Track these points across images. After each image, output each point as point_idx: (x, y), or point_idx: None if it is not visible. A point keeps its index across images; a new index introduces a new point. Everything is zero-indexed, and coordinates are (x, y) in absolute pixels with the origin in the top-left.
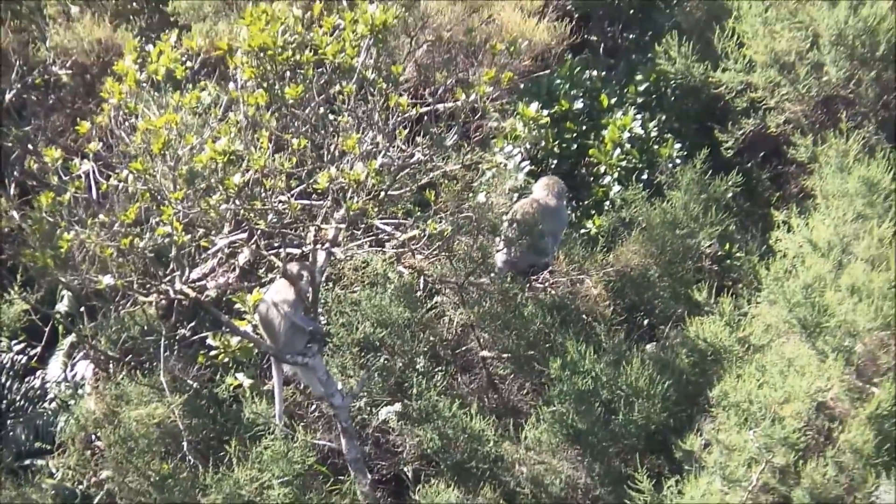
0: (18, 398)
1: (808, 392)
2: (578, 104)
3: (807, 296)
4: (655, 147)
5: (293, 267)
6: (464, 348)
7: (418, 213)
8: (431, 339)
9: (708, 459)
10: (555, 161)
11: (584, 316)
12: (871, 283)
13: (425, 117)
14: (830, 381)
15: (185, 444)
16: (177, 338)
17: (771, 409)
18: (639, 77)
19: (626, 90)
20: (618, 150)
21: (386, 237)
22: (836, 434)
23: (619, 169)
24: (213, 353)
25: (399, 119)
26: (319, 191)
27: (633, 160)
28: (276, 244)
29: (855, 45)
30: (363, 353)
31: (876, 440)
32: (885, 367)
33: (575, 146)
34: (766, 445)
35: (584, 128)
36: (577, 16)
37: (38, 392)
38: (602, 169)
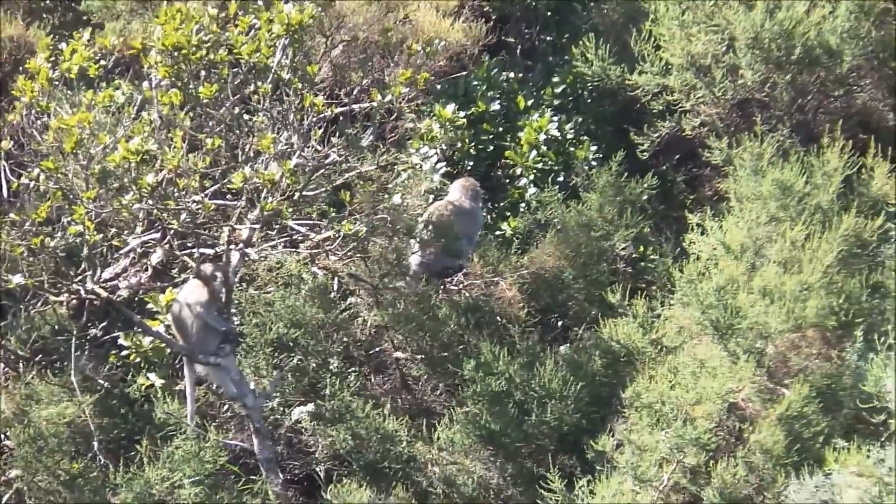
0: None
1: (720, 393)
2: (495, 106)
3: (719, 298)
4: (571, 149)
5: (206, 267)
6: (377, 349)
7: (333, 214)
8: (345, 339)
9: (620, 460)
10: (471, 163)
11: (498, 317)
12: (783, 286)
13: (341, 117)
14: (742, 383)
15: (95, 443)
16: (88, 337)
17: (683, 409)
18: (555, 79)
19: (542, 92)
20: (534, 152)
21: (300, 238)
22: (746, 434)
23: (534, 171)
24: (124, 352)
25: (314, 119)
26: (233, 191)
27: (549, 162)
28: (189, 244)
29: (770, 48)
30: (276, 354)
31: (786, 440)
32: (795, 369)
33: (491, 148)
34: (678, 446)
35: (500, 129)
36: (493, 17)
37: None
38: (518, 171)
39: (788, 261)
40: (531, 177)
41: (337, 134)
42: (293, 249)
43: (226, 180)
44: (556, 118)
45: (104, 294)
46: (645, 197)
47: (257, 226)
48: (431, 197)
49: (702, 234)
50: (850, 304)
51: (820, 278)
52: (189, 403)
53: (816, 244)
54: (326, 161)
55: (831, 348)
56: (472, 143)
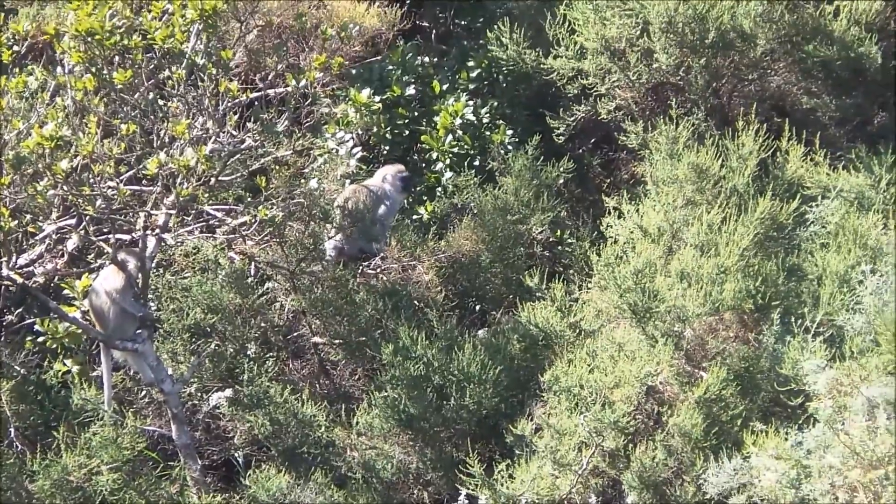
0: None
1: (638, 376)
2: (410, 90)
3: (637, 281)
4: (487, 133)
5: (122, 254)
6: (295, 334)
7: (249, 199)
8: (263, 325)
9: (539, 444)
10: (387, 147)
11: (415, 302)
12: (701, 269)
13: (256, 103)
14: (660, 366)
15: (11, 430)
16: (3, 323)
17: (601, 393)
18: (471, 63)
19: (458, 76)
20: (450, 137)
21: (217, 223)
22: (665, 418)
23: (451, 155)
24: (41, 338)
25: (229, 104)
26: (149, 176)
27: (465, 146)
28: (105, 230)
29: (685, 32)
30: (194, 339)
31: (704, 424)
32: (713, 352)
33: (407, 132)
34: (597, 429)
35: (416, 114)
36: (408, 1)
37: None
38: (434, 155)
39: (705, 244)
40: (447, 161)
41: (252, 119)
42: (210, 234)
43: (141, 166)
44: (471, 102)
45: (20, 280)
46: (561, 181)
47: (173, 211)
48: (348, 181)
49: (619, 217)
50: (766, 287)
51: (737, 261)
52: (106, 390)
53: (733, 227)
54: (242, 146)
55: (749, 331)
56: (388, 128)
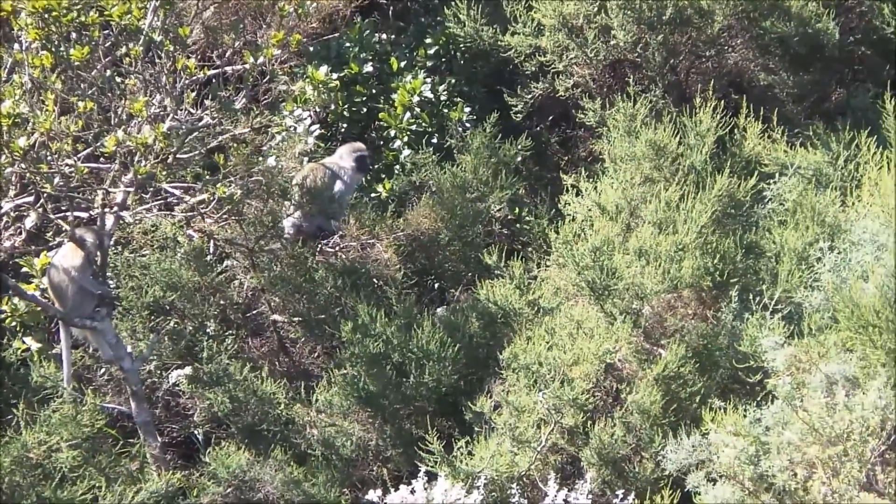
0: None
1: (597, 354)
2: (368, 67)
3: (595, 259)
4: (445, 111)
5: (81, 231)
6: (254, 312)
7: (207, 177)
8: (222, 302)
9: (498, 421)
10: (345, 125)
11: (374, 280)
12: (659, 246)
13: (213, 80)
14: (619, 343)
15: None
16: None
17: (560, 370)
18: (428, 40)
19: (415, 53)
20: (408, 114)
21: (175, 201)
22: (624, 395)
23: (409, 133)
24: (0, 316)
25: (187, 82)
26: (107, 154)
27: (423, 124)
28: (63, 207)
29: (642, 8)
30: (153, 317)
31: (662, 401)
32: (671, 329)
33: (365, 110)
34: (556, 406)
35: (373, 91)
36: None
37: None
38: (392, 133)
39: (663, 221)
40: (405, 139)
41: (210, 96)
42: (168, 212)
43: (99, 143)
44: (429, 80)
45: None
46: (519, 158)
47: (131, 189)
48: (306, 159)
49: (577, 195)
50: (724, 265)
51: (695, 239)
52: (65, 367)
53: (691, 205)
54: (200, 124)
55: (707, 308)
56: (346, 105)
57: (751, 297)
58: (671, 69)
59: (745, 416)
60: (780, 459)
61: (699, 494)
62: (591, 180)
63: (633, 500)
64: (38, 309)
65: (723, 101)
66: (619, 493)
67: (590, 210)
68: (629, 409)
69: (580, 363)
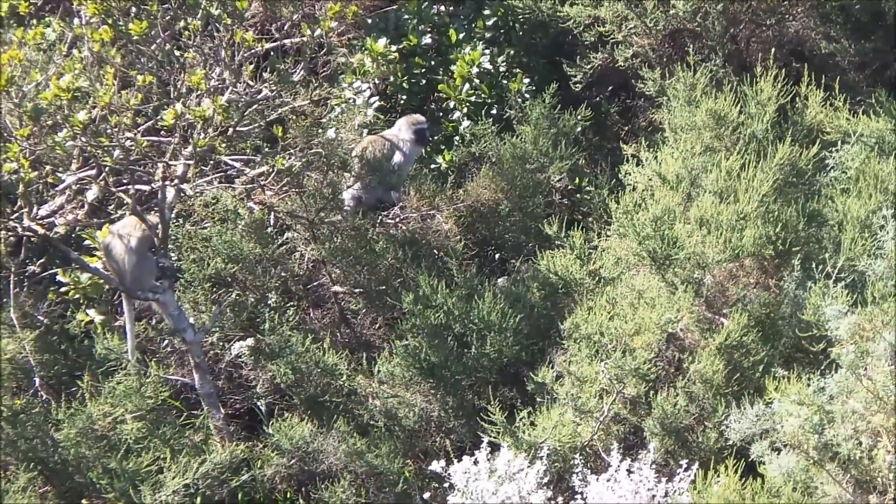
0: None
1: (659, 323)
2: (426, 39)
3: (656, 228)
4: (504, 82)
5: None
6: (315, 283)
7: (267, 150)
8: (283, 274)
9: (560, 391)
10: (404, 97)
11: (435, 251)
12: (720, 216)
13: (272, 53)
14: (680, 313)
15: (36, 379)
16: (26, 274)
17: (622, 340)
18: (486, 12)
19: (474, 25)
20: (467, 86)
21: (235, 173)
22: (686, 364)
23: (468, 104)
24: (63, 289)
25: (245, 55)
26: (167, 127)
27: (483, 95)
28: (124, 181)
29: None
30: (215, 289)
31: (725, 370)
32: (733, 298)
33: (424, 81)
34: (618, 376)
35: (432, 63)
36: None
37: None
38: (451, 104)
39: (724, 190)
40: (465, 110)
41: (268, 69)
42: (228, 185)
43: (158, 117)
44: (487, 51)
45: (41, 231)
46: (579, 129)
47: (191, 162)
48: (365, 131)
49: (637, 165)
50: (787, 233)
51: (756, 207)
52: (129, 339)
53: (752, 173)
54: (259, 96)
55: (769, 277)
56: (405, 77)
57: (813, 265)
58: (731, 38)
59: (808, 384)
60: (844, 428)
61: (763, 464)
62: (651, 150)
63: (697, 469)
64: (101, 281)
65: (784, 70)
66: (683, 462)
67: (650, 180)
68: (692, 379)
69: (642, 333)
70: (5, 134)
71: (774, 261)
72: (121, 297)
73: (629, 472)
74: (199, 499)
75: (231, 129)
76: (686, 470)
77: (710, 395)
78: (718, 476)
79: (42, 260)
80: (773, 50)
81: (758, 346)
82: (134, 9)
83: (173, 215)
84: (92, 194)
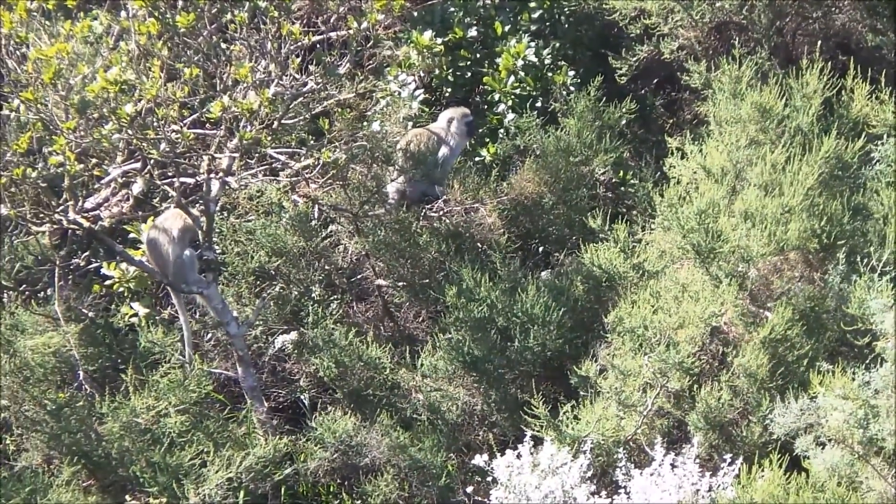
0: None
1: (703, 317)
2: (472, 32)
3: (701, 222)
4: (549, 75)
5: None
6: (359, 277)
7: (312, 142)
8: (327, 267)
9: (603, 385)
10: (449, 89)
11: (478, 244)
12: (765, 209)
13: (318, 45)
14: (724, 306)
15: (81, 373)
16: (71, 267)
17: (666, 334)
18: (532, 4)
19: (519, 18)
20: (512, 78)
21: (280, 166)
22: (730, 358)
23: (513, 97)
24: (108, 282)
25: (291, 47)
26: (212, 120)
27: (528, 88)
28: (170, 173)
29: None
30: (259, 282)
31: (770, 364)
32: (778, 292)
33: (469, 74)
34: (661, 370)
35: (477, 56)
36: None
37: None
38: (496, 97)
39: (769, 184)
40: (509, 103)
41: (314, 62)
42: (273, 178)
43: (204, 109)
44: (533, 44)
45: (86, 224)
46: (624, 121)
47: (237, 154)
48: (410, 124)
49: (682, 158)
50: (831, 227)
51: (801, 201)
52: (186, 335)
53: (797, 167)
54: (304, 89)
55: (814, 271)
56: (450, 70)
57: (858, 259)
58: (777, 31)
59: (853, 378)
60: (889, 423)
61: (808, 458)
62: (696, 143)
63: (741, 464)
64: (146, 275)
65: (829, 63)
66: (727, 457)
67: (695, 173)
68: (736, 373)
69: (686, 326)
70: (52, 127)
71: (819, 254)
72: (165, 290)
73: (673, 466)
74: (242, 492)
75: (276, 122)
76: (730, 464)
77: (754, 389)
78: (762, 470)
79: (87, 253)
80: (819, 43)
81: (802, 340)
82: (180, 1)
83: (218, 208)
84: (137, 187)
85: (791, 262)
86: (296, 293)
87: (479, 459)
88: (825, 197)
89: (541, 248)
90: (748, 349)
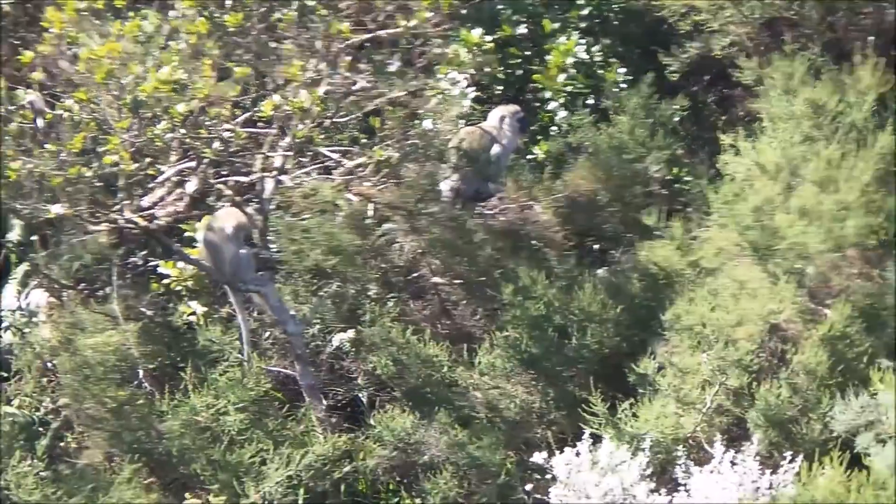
0: None
1: (761, 314)
2: (521, 29)
3: (757, 219)
4: (600, 72)
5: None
6: (415, 275)
7: (364, 141)
8: (383, 265)
9: (662, 382)
10: (500, 87)
11: (534, 242)
12: (821, 205)
13: (368, 44)
14: (783, 304)
15: (140, 371)
16: (129, 266)
17: (724, 331)
18: (581, 1)
19: (568, 15)
20: (562, 75)
21: (333, 164)
22: (789, 356)
23: (564, 94)
24: (165, 280)
25: (341, 46)
26: (265, 119)
27: (579, 85)
28: (224, 172)
29: None
30: (315, 280)
31: (829, 361)
32: (836, 289)
33: (519, 72)
34: (720, 367)
35: (527, 53)
36: None
37: None
38: (547, 94)
39: (825, 180)
40: (561, 100)
41: (364, 60)
42: (327, 176)
43: (256, 108)
44: (583, 41)
45: (142, 223)
46: (676, 118)
47: (290, 153)
48: (462, 122)
49: (735, 154)
50: (889, 223)
51: (858, 197)
52: (244, 334)
53: (852, 163)
54: (355, 88)
55: (872, 267)
56: (500, 68)
57: None
58: (829, 26)
59: None
60: None
61: (869, 456)
62: (749, 139)
63: (801, 461)
64: (203, 273)
65: (883, 58)
66: (787, 454)
67: (749, 169)
68: (795, 370)
69: (744, 324)
70: (105, 126)
71: (877, 251)
72: (223, 288)
73: (733, 463)
74: (301, 490)
75: (328, 121)
76: (790, 462)
77: (813, 386)
78: (823, 468)
79: (144, 252)
80: (871, 38)
81: (862, 337)
82: (229, 1)
83: (272, 206)
84: (192, 186)
85: (849, 258)
86: (353, 291)
87: (538, 457)
88: (882, 193)
89: (596, 246)
90: (807, 346)
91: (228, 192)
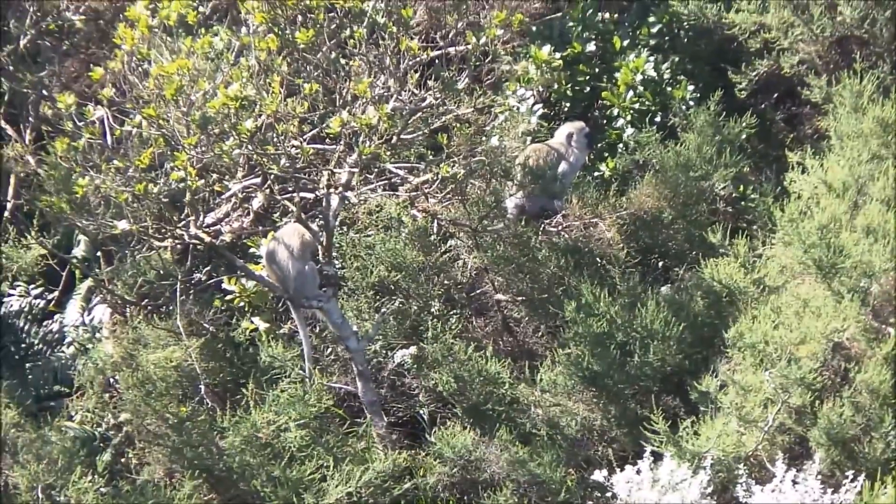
0: (37, 342)
1: (824, 332)
2: (591, 46)
3: (822, 237)
4: (668, 89)
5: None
6: (478, 291)
7: (431, 157)
8: (446, 282)
9: (724, 400)
10: (568, 104)
11: (597, 259)
12: (887, 224)
13: (437, 61)
14: (846, 322)
15: (202, 387)
16: (192, 282)
17: (786, 349)
18: (651, 19)
19: (638, 32)
20: (631, 93)
21: (399, 181)
22: (852, 374)
23: (632, 111)
24: (228, 297)
25: (410, 63)
26: (332, 135)
27: (647, 102)
28: (289, 188)
29: None
30: (378, 297)
31: (892, 380)
32: None
33: (588, 89)
34: (783, 386)
35: (596, 70)
36: None
37: (57, 336)
38: (615, 111)
39: (892, 199)
40: (628, 117)
41: (433, 77)
42: (392, 192)
43: (324, 125)
44: (652, 58)
45: (207, 239)
46: (744, 136)
47: (356, 169)
48: (529, 139)
49: (802, 172)
50: None
51: None
52: (306, 350)
53: None
54: (423, 104)
55: None
56: (569, 85)
57: None
58: None
59: None
60: None
61: None
62: (816, 157)
63: (864, 481)
64: (266, 290)
65: None
66: (849, 473)
67: (816, 188)
68: (858, 389)
69: (807, 342)
70: (173, 142)
71: None
72: (285, 304)
73: (794, 482)
74: None
75: (395, 137)
76: (852, 481)
77: (876, 405)
78: (885, 487)
79: (208, 268)
80: None
81: None
82: (300, 17)
83: (337, 223)
84: (257, 202)
85: None
86: (415, 308)
87: (599, 475)
88: None
89: (660, 263)
90: (871, 365)
91: (294, 208)
